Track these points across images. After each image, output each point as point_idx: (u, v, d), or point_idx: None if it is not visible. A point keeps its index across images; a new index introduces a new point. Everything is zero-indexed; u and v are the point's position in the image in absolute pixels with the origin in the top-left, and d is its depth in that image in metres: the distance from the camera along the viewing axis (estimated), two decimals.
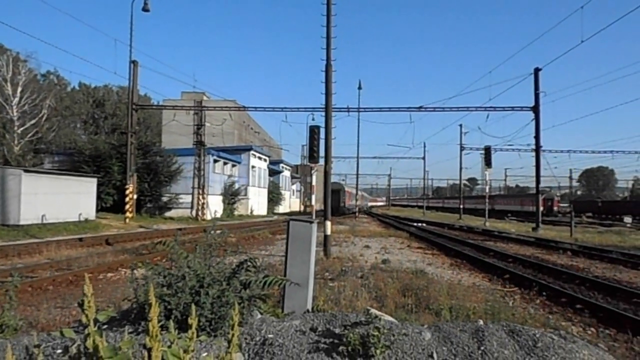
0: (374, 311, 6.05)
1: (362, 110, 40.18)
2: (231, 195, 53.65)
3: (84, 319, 2.23)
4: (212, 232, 4.91)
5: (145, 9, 33.12)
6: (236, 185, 54.92)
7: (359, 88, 48.05)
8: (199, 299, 3.90)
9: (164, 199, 44.62)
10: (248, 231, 31.04)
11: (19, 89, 54.86)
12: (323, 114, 16.99)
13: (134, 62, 34.35)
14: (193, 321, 2.19)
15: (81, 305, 2.34)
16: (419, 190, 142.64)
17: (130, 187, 34.34)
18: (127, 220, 33.51)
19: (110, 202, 39.71)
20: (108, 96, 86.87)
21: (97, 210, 34.10)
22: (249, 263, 5.01)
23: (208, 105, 48.22)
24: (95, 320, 2.36)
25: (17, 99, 54.63)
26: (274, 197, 71.70)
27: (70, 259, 16.03)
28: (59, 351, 3.43)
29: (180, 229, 30.31)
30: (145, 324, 4.07)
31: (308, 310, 6.73)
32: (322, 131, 17.65)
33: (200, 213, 43.12)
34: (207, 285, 3.94)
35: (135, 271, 4.37)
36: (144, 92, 67.78)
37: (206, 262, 4.35)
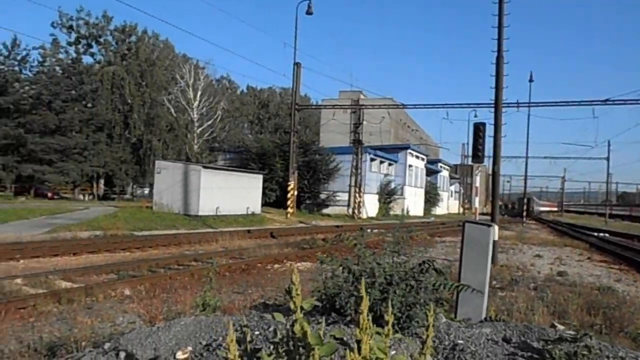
0: (561, 327, 5.41)
1: (534, 105, 37.20)
2: (387, 195, 53.70)
3: (291, 306, 2.22)
4: (399, 230, 4.76)
5: (308, 12, 34.45)
6: (392, 185, 54.83)
7: (530, 80, 45.06)
8: (387, 296, 3.77)
9: (322, 196, 46.12)
10: (405, 232, 30.64)
11: (199, 93, 60.70)
12: (487, 110, 16.08)
13: (297, 64, 35.92)
14: (390, 318, 2.19)
15: (289, 292, 2.32)
16: (598, 195, 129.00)
17: (292, 184, 35.98)
18: (289, 215, 35.15)
19: (273, 197, 42.07)
20: (272, 97, 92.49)
21: (262, 205, 36.28)
22: (427, 264, 4.76)
23: (365, 103, 48.79)
24: (301, 308, 2.33)
25: (196, 103, 60.53)
26: (431, 198, 70.31)
27: (241, 248, 17.16)
28: (265, 334, 3.51)
29: (337, 226, 31.05)
30: (334, 316, 4.05)
31: (486, 319, 6.34)
32: (488, 128, 16.70)
33: (356, 211, 43.77)
34: (395, 283, 3.80)
35: (323, 265, 4.36)
36: (304, 93, 70.90)
37: (394, 260, 4.22)
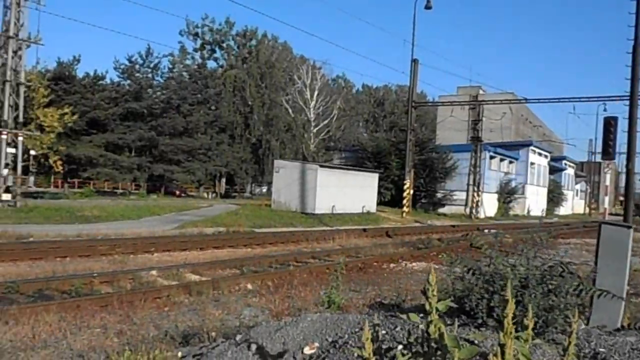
0: None
1: None
2: (507, 194, 51.17)
3: (427, 307, 2.14)
4: (537, 230, 4.46)
5: (427, 7, 33.71)
6: (512, 183, 52.17)
7: None
8: (521, 300, 3.51)
9: (438, 195, 45.04)
10: (525, 232, 28.98)
11: (315, 93, 62.05)
12: (620, 103, 14.67)
13: (414, 61, 35.39)
14: (530, 322, 2.18)
15: (424, 293, 2.22)
16: None
17: (408, 183, 35.50)
18: (404, 214, 34.73)
19: (388, 196, 41.81)
20: (387, 95, 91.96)
21: (377, 204, 36.19)
22: (562, 267, 4.39)
23: (485, 99, 46.83)
24: (436, 309, 2.26)
25: (313, 102, 61.93)
26: (554, 197, 65.89)
27: (357, 247, 17.21)
28: (392, 334, 3.43)
29: (453, 226, 30.12)
30: (464, 319, 3.86)
31: (622, 327, 5.80)
32: (620, 123, 15.23)
33: (474, 211, 42.18)
34: (531, 287, 3.54)
35: (454, 268, 4.18)
36: (420, 89, 69.69)
37: (528, 263, 3.94)
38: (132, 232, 17.52)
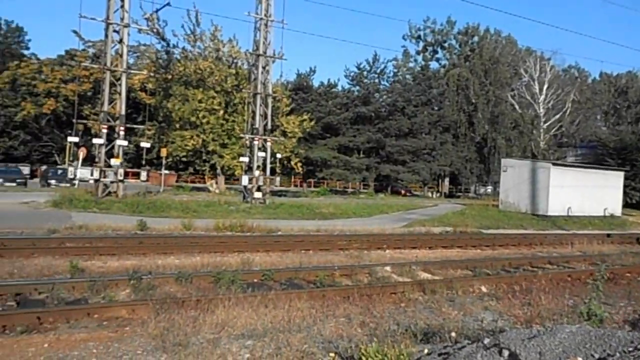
0: None
1: None
2: None
3: None
4: None
5: None
6: None
7: None
8: None
9: None
10: None
11: (545, 86, 57.52)
12: None
13: None
14: None
15: None
16: None
17: None
18: None
19: (636, 198, 36.70)
20: (631, 83, 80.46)
21: (622, 207, 32.02)
22: None
23: None
24: None
25: (542, 96, 57.51)
26: None
27: (602, 254, 15.41)
28: None
29: None
30: None
31: None
32: None
33: None
34: None
35: None
36: None
37: None
38: (364, 229, 18.50)
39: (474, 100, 60.38)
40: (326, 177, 56.51)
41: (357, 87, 58.46)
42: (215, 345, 5.40)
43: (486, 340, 3.74)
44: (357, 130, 55.36)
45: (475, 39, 65.36)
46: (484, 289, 9.39)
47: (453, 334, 5.39)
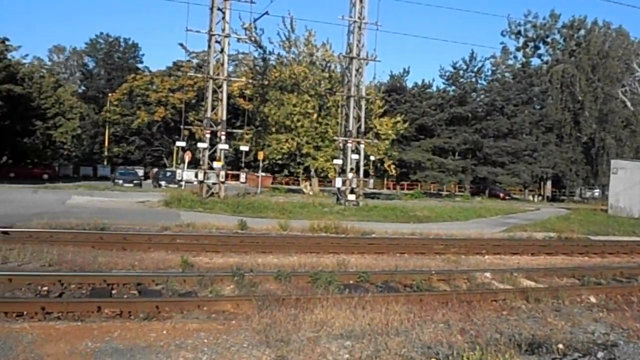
0: None
1: None
2: None
3: None
4: None
5: None
6: None
7: None
8: None
9: None
10: None
11: None
12: None
13: None
14: None
15: None
16: None
17: None
18: None
19: None
20: None
21: None
22: None
23: None
24: None
25: None
26: None
27: None
28: None
29: None
30: None
31: None
32: None
33: None
34: None
35: None
36: None
37: None
38: (461, 233, 18.08)
39: (580, 98, 56.74)
40: (420, 179, 55.74)
41: (453, 87, 57.07)
42: (315, 343, 5.57)
43: (600, 354, 3.59)
44: (453, 131, 54.10)
45: (582, 32, 61.31)
46: (593, 299, 8.87)
47: (560, 346, 5.17)
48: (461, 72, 56.25)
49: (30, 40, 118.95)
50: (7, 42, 45.01)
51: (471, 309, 7.55)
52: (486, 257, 13.59)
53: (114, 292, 7.91)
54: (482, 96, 57.75)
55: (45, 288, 7.84)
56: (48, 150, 57.74)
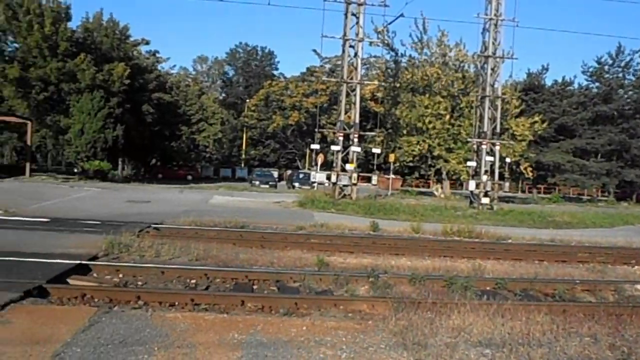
0: None
1: None
2: None
3: None
4: None
5: None
6: None
7: None
8: None
9: None
10: None
11: None
12: None
13: None
14: None
15: None
16: None
17: None
18: None
19: None
20: None
21: None
22: None
23: None
24: None
25: None
26: None
27: None
28: None
29: None
30: None
31: None
32: None
33: None
34: None
35: None
36: None
37: None
38: (606, 241, 16.67)
39: None
40: (559, 182, 52.15)
41: (597, 84, 52.68)
42: (453, 349, 5.54)
43: None
44: (596, 131, 49.97)
45: None
46: None
47: None
48: (606, 67, 51.70)
49: (177, 52, 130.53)
50: (157, 55, 50.06)
51: (620, 324, 7.00)
52: (636, 267, 12.43)
53: (255, 287, 8.43)
54: (630, 92, 52.52)
55: (193, 281, 8.58)
56: (192, 153, 63.03)
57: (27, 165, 37.10)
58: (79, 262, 8.85)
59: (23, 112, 36.62)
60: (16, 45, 37.42)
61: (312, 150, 30.82)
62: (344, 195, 25.67)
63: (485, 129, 26.95)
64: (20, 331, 5.43)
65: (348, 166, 25.76)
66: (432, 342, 5.74)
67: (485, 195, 26.23)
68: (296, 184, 40.87)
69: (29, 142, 37.87)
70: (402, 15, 28.86)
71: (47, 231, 12.18)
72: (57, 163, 59.57)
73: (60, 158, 56.46)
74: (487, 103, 26.99)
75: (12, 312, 6.04)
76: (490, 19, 26.56)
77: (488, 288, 9.08)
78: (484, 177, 26.33)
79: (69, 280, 7.95)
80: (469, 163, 28.61)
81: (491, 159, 26.87)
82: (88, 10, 72.13)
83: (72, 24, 38.55)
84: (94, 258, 9.50)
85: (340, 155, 25.87)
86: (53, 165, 59.24)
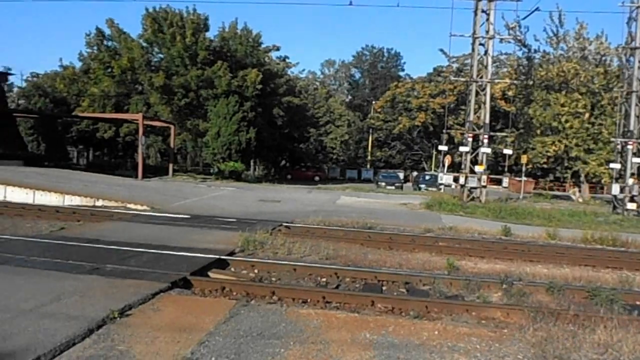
0: None
1: None
2: None
3: None
4: None
5: None
6: None
7: None
8: None
9: None
10: None
11: None
12: None
13: None
14: None
15: None
16: None
17: None
18: None
19: None
20: None
21: None
22: None
23: None
24: None
25: None
26: None
27: None
28: None
29: None
30: None
31: None
32: None
33: None
34: None
35: None
36: None
37: None
38: None
39: None
40: None
41: None
42: None
43: None
44: None
45: None
46: None
47: None
48: None
49: (306, 56, 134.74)
50: (287, 60, 52.03)
51: None
52: None
53: (384, 288, 8.46)
54: None
55: (324, 279, 8.80)
56: (319, 154, 64.65)
57: (171, 166, 40.41)
58: (218, 257, 9.46)
59: (167, 117, 39.99)
60: (161, 55, 40.96)
61: (438, 151, 30.07)
62: (473, 198, 24.79)
63: (631, 128, 24.52)
64: (170, 319, 5.93)
65: (477, 168, 24.85)
66: (576, 356, 5.38)
67: (632, 200, 23.86)
68: (422, 186, 40.20)
69: (172, 145, 41.13)
70: (537, 9, 27.20)
71: (188, 227, 13.20)
72: (196, 164, 64.41)
73: (198, 159, 60.99)
74: (634, 99, 24.53)
75: (161, 300, 6.61)
76: (638, 7, 24.13)
77: (638, 302, 8.26)
78: (630, 181, 23.95)
79: (209, 274, 8.55)
80: (612, 165, 26.19)
81: (639, 160, 24.39)
82: (224, 20, 77.01)
83: (210, 34, 41.42)
84: (232, 253, 10.11)
85: (469, 157, 25.03)
86: (192, 165, 64.14)
